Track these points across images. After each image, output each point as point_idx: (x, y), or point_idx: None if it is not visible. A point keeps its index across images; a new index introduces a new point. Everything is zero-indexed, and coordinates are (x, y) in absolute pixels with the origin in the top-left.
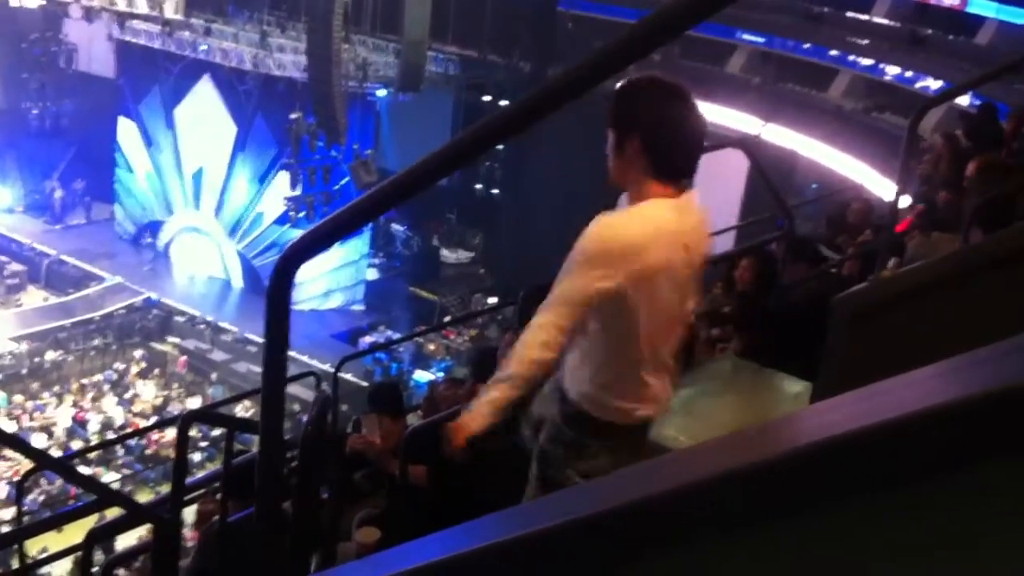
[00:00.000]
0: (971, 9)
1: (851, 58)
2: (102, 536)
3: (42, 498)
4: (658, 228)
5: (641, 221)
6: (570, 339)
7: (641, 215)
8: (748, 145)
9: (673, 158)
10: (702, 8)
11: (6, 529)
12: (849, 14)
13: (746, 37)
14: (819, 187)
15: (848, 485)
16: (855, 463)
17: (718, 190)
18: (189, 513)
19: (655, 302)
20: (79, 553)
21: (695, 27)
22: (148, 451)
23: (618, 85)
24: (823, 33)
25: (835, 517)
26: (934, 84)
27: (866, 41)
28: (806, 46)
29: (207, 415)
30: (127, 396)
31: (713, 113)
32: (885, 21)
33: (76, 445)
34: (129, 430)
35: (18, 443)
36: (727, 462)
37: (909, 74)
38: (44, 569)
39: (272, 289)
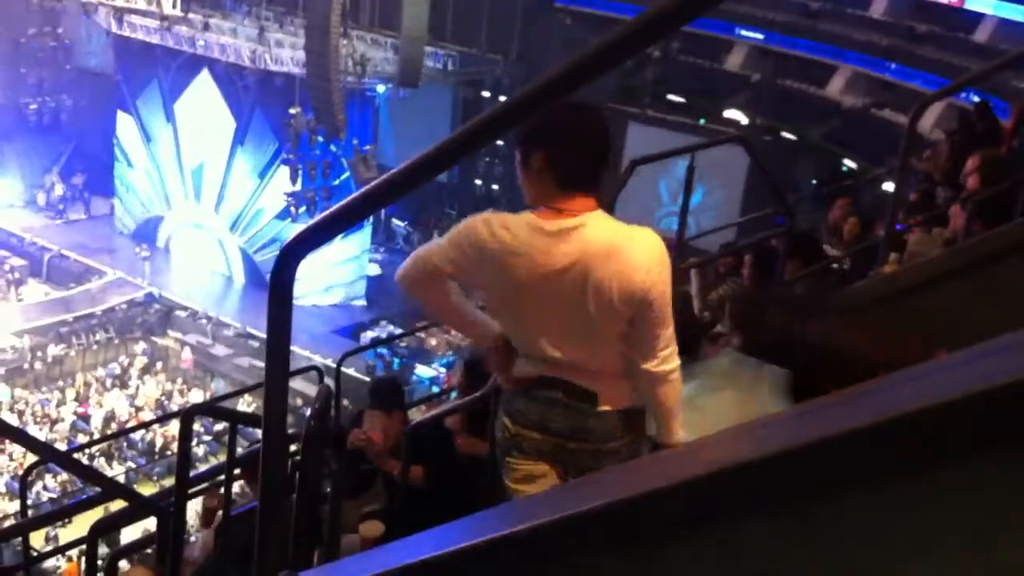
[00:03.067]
0: (969, 6)
1: (850, 54)
2: (106, 529)
3: (46, 493)
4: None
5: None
6: None
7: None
8: (748, 141)
9: (576, 171)
10: (698, 4)
11: (10, 523)
12: (848, 10)
13: (745, 33)
14: (819, 183)
15: (850, 479)
16: (857, 457)
17: (719, 186)
18: (193, 506)
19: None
20: (84, 546)
21: (693, 23)
22: (151, 445)
23: None
24: (822, 29)
25: (836, 510)
26: (933, 81)
27: (865, 38)
28: (805, 42)
29: (210, 409)
30: (129, 391)
31: (712, 109)
32: (884, 17)
33: (79, 439)
34: (132, 424)
35: (22, 436)
36: (730, 456)
37: (908, 70)
38: (49, 562)
39: (275, 280)
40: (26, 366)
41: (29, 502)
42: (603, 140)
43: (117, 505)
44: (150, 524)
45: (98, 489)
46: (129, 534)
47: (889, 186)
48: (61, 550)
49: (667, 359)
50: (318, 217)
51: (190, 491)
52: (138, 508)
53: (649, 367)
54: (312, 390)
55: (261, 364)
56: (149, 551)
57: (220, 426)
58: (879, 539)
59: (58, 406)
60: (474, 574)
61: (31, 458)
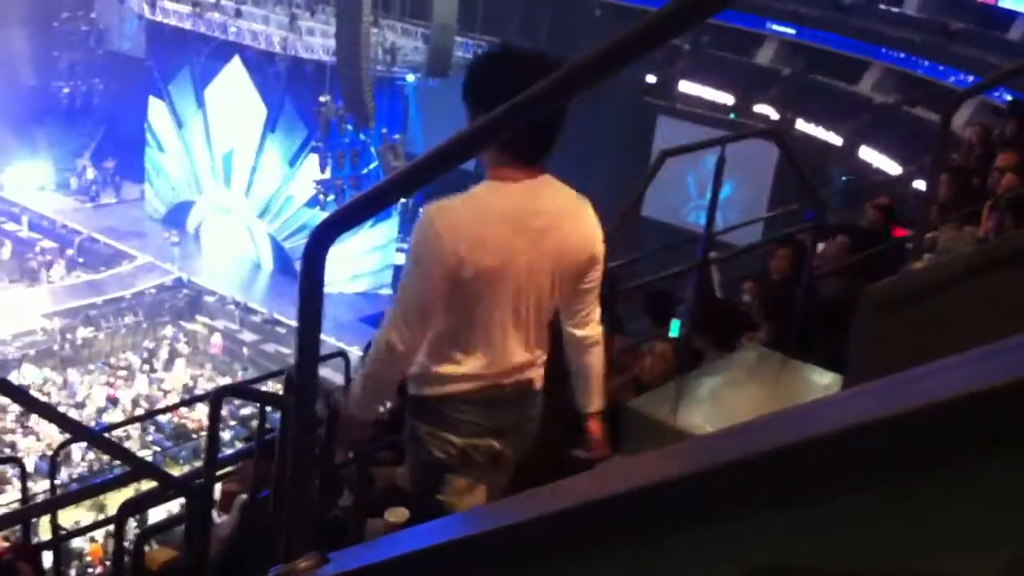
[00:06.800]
0: (1003, 4)
1: (882, 51)
2: (135, 508)
3: (74, 473)
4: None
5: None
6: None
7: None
8: (778, 135)
9: (521, 136)
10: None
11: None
12: (881, 6)
13: (776, 28)
14: (849, 179)
15: (874, 471)
16: (882, 449)
17: (747, 180)
18: (222, 486)
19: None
20: (112, 526)
21: (724, 16)
22: (178, 429)
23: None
24: (854, 25)
25: (859, 502)
26: (966, 78)
27: (898, 34)
28: (837, 38)
29: (240, 390)
30: (157, 375)
31: (742, 103)
32: (917, 14)
33: (107, 422)
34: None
35: (54, 414)
36: (750, 445)
37: (941, 68)
38: (74, 544)
39: (307, 259)
40: (55, 348)
41: (56, 483)
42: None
43: (145, 486)
44: (174, 506)
45: (121, 471)
46: (153, 516)
47: (920, 184)
48: (89, 529)
49: (596, 325)
50: (352, 198)
51: (219, 472)
52: (167, 488)
53: (585, 333)
54: (336, 378)
55: (287, 351)
56: (174, 531)
57: (247, 410)
58: (900, 532)
59: (86, 388)
60: (510, 554)
61: (60, 439)
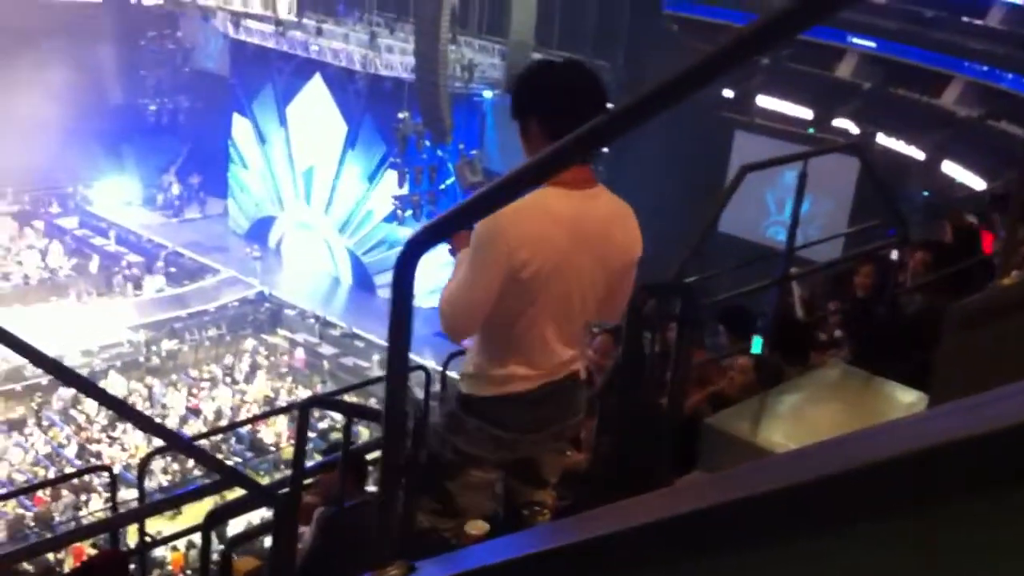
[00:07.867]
0: None
1: (965, 64)
2: (222, 516)
3: (161, 482)
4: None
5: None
6: None
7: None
8: (860, 149)
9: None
10: (813, 12)
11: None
12: (963, 18)
13: (857, 41)
14: (931, 195)
15: (957, 491)
16: (967, 469)
17: (826, 196)
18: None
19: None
20: (194, 535)
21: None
22: (258, 441)
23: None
24: (936, 38)
25: (939, 521)
26: None
27: (981, 47)
28: (918, 51)
29: (328, 401)
30: (239, 387)
31: (821, 118)
32: (1000, 26)
33: (189, 432)
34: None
35: (150, 423)
36: (832, 463)
37: None
38: (158, 551)
39: (397, 276)
40: (141, 359)
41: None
42: (600, 95)
43: (228, 496)
44: (254, 517)
45: (208, 481)
46: (233, 527)
47: None
48: (175, 537)
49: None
50: (439, 215)
51: (306, 482)
52: (255, 497)
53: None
54: (416, 392)
55: (366, 364)
56: (254, 541)
57: (324, 423)
58: (980, 554)
59: (169, 400)
60: (592, 567)
61: (144, 449)
